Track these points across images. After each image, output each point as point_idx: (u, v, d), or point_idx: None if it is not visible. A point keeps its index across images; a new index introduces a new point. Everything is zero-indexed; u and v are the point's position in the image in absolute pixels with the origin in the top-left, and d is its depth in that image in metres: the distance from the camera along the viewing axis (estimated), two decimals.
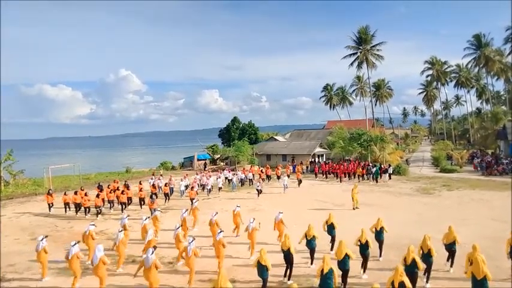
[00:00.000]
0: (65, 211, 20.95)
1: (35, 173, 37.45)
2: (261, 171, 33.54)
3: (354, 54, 56.34)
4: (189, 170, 44.47)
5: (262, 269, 9.58)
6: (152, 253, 9.64)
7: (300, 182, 29.20)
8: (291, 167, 37.39)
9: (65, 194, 21.62)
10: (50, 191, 22.36)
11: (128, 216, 15.60)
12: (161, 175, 31.78)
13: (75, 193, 20.97)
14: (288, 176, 30.32)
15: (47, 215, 20.74)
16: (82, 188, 22.44)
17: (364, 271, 10.99)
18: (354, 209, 20.06)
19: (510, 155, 40.14)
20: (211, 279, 9.10)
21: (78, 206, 20.59)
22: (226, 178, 30.49)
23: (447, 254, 11.24)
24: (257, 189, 24.75)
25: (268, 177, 32.64)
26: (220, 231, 11.84)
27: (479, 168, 36.47)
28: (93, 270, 10.24)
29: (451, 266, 11.13)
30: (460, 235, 11.35)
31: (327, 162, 39.54)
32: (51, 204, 21.42)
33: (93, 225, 13.46)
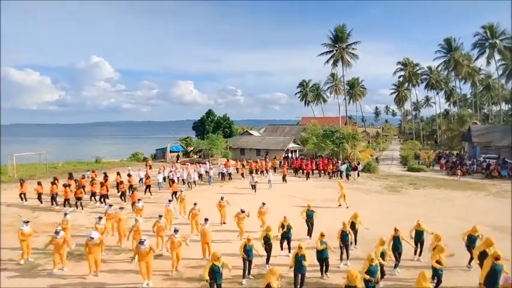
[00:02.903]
0: (41, 202, 20.14)
1: None
2: (243, 165, 33.40)
3: (330, 52, 57.04)
4: (161, 161, 43.84)
5: (248, 252, 10.26)
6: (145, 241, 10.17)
7: (284, 177, 29.03)
8: (270, 162, 37.34)
9: (38, 184, 20.68)
10: (22, 181, 21.33)
11: (111, 206, 15.39)
12: (150, 166, 32.10)
13: (52, 184, 20.31)
14: (267, 171, 30.53)
15: (9, 205, 19.99)
16: (56, 179, 21.83)
17: (347, 257, 11.64)
18: (344, 206, 19.95)
19: (473, 156, 41.93)
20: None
21: (53, 197, 19.89)
22: (206, 172, 29.89)
23: (414, 248, 12.03)
24: (252, 185, 24.42)
25: (251, 171, 32.61)
26: (206, 220, 12.29)
27: (444, 168, 37.96)
28: (89, 250, 10.65)
29: (420, 255, 12.00)
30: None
31: (297, 158, 39.91)
32: (24, 194, 20.56)
33: (68, 214, 13.73)
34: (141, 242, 10.09)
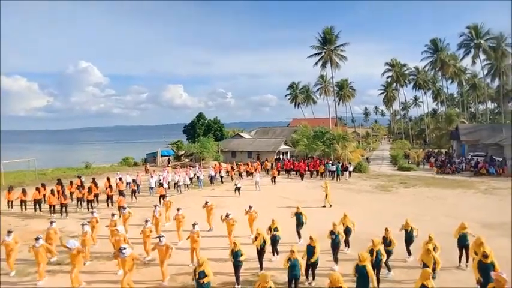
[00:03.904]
0: (22, 209, 19.94)
1: None
2: (232, 168, 33.36)
3: (318, 53, 57.44)
4: (152, 166, 43.56)
5: (236, 256, 10.10)
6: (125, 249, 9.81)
7: (273, 179, 29.15)
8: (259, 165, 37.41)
9: (23, 191, 20.46)
10: (10, 188, 21.15)
11: (93, 213, 14.98)
12: (147, 170, 32.44)
13: (37, 189, 20.14)
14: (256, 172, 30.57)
15: None
16: (44, 185, 21.57)
17: (336, 262, 11.53)
18: (324, 206, 20.38)
19: (462, 154, 42.50)
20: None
21: (38, 204, 19.77)
22: (195, 175, 29.71)
23: (406, 249, 12.03)
24: (236, 187, 24.32)
25: (240, 174, 32.62)
26: (194, 225, 12.09)
27: (434, 167, 38.36)
28: (70, 259, 10.31)
29: (410, 255, 11.98)
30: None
31: (289, 159, 40.04)
32: (11, 202, 20.39)
33: (54, 221, 13.34)
34: (119, 250, 9.71)
